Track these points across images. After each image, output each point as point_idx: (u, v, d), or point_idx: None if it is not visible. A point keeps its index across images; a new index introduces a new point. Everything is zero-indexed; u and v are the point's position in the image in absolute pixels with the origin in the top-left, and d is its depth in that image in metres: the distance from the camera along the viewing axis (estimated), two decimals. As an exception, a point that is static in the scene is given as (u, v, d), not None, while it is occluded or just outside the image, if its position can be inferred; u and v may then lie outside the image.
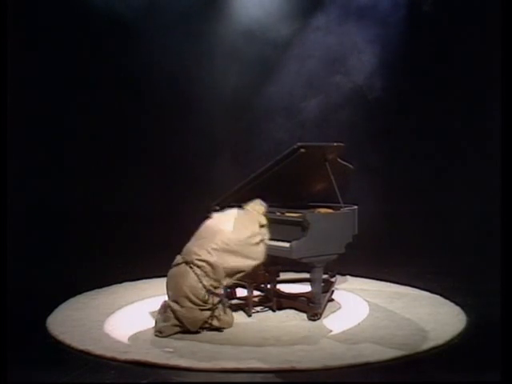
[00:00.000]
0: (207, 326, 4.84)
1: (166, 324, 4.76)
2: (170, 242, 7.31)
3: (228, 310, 5.07)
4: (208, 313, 4.80)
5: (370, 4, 8.35)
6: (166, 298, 4.94)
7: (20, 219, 7.54)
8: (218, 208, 5.92)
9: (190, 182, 8.46)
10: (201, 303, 4.75)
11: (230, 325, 4.95)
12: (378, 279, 6.88)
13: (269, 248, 5.25)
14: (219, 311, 4.89)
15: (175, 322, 4.76)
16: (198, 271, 4.79)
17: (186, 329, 4.77)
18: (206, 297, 4.76)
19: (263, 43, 8.64)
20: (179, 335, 4.74)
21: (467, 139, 8.42)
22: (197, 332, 4.78)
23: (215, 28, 8.61)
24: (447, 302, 5.82)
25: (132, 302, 5.91)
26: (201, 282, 4.75)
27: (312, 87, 8.52)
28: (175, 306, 4.77)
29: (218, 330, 4.87)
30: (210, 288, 4.77)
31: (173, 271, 4.94)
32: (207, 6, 8.66)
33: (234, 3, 8.66)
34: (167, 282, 4.97)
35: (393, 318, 5.29)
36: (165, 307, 4.87)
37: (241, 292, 5.72)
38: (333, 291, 5.92)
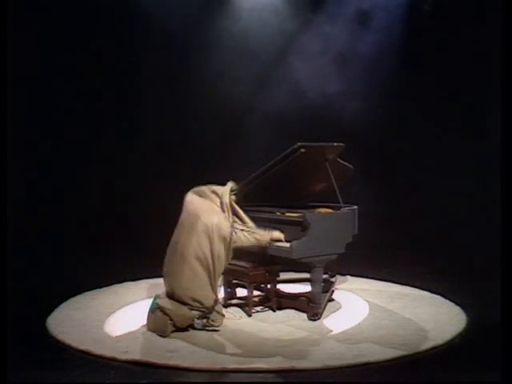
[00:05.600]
0: (207, 324, 4.87)
1: (164, 323, 4.77)
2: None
3: (221, 308, 5.11)
4: (196, 313, 4.83)
5: (371, 7, 8.37)
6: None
7: (20, 219, 7.53)
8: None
9: (191, 182, 8.45)
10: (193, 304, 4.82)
11: (221, 323, 4.97)
12: (378, 279, 6.88)
13: (269, 248, 5.26)
14: (218, 309, 4.94)
15: (166, 317, 4.78)
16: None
17: (177, 325, 4.81)
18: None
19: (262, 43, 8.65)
20: (180, 335, 4.75)
21: (468, 140, 8.43)
22: (185, 330, 4.81)
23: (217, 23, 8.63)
24: (447, 301, 5.82)
25: (132, 302, 5.91)
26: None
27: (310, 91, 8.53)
28: (164, 304, 4.79)
29: (214, 327, 4.88)
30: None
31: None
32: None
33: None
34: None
35: (393, 318, 5.30)
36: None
37: (241, 292, 5.72)
38: (333, 291, 5.92)
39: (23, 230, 7.59)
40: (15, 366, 4.01)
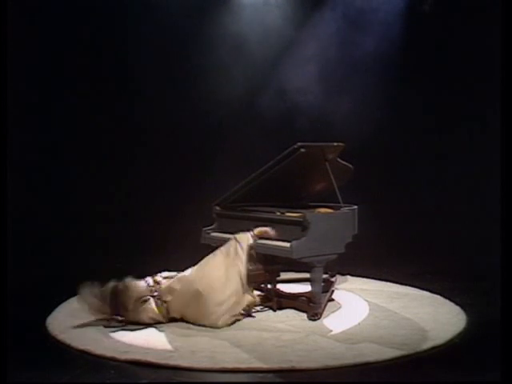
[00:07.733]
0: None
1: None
2: (170, 242, 7.34)
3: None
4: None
5: (372, 8, 8.37)
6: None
7: (20, 219, 7.54)
8: (218, 208, 5.93)
9: (191, 182, 8.46)
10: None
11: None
12: (378, 279, 6.88)
13: (269, 248, 5.26)
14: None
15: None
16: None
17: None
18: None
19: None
20: (180, 335, 4.74)
21: (467, 139, 8.43)
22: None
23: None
24: (447, 301, 5.82)
25: (132, 302, 5.89)
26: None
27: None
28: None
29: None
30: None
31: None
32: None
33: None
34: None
35: (393, 318, 5.30)
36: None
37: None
38: (333, 291, 5.92)
39: (23, 229, 7.59)
40: (15, 366, 4.01)
